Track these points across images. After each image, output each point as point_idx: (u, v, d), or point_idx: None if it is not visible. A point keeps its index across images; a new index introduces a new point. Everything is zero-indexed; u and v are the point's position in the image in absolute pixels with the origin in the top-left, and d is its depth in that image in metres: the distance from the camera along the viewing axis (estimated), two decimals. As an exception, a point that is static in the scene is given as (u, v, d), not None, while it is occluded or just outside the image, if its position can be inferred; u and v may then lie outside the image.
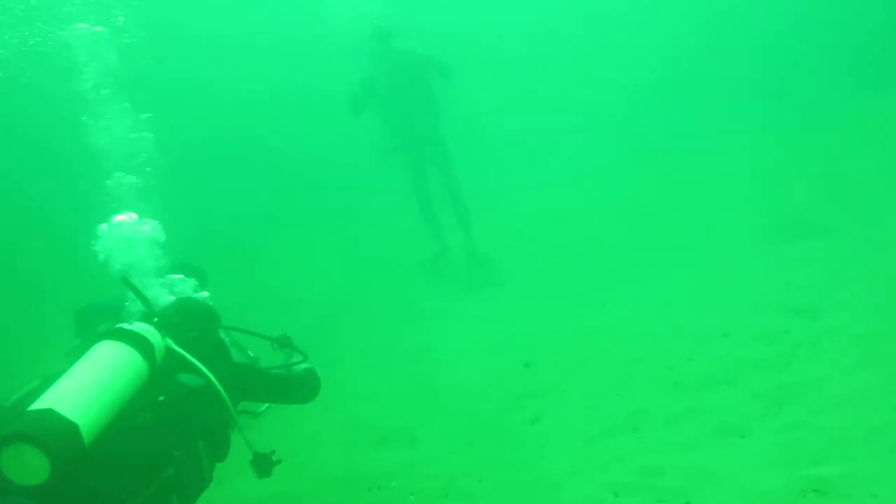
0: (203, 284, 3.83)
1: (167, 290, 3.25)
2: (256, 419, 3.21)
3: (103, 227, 3.17)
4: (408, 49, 7.39)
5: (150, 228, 3.25)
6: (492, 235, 8.37)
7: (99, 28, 3.57)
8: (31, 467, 2.07)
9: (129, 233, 3.20)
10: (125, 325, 2.65)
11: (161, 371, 2.63)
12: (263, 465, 2.92)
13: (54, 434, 2.10)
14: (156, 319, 2.80)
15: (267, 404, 3.32)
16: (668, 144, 10.63)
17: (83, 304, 3.12)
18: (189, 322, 2.91)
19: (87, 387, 2.32)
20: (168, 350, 2.69)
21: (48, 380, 2.39)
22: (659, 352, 5.27)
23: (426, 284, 7.99)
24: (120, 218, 3.22)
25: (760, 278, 6.11)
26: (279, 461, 2.96)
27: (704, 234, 7.52)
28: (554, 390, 5.15)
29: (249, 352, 3.38)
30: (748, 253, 6.78)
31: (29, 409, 2.21)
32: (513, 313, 6.87)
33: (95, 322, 2.94)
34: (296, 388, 3.36)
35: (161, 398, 2.58)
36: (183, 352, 2.70)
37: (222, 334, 3.16)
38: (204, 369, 2.70)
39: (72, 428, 2.15)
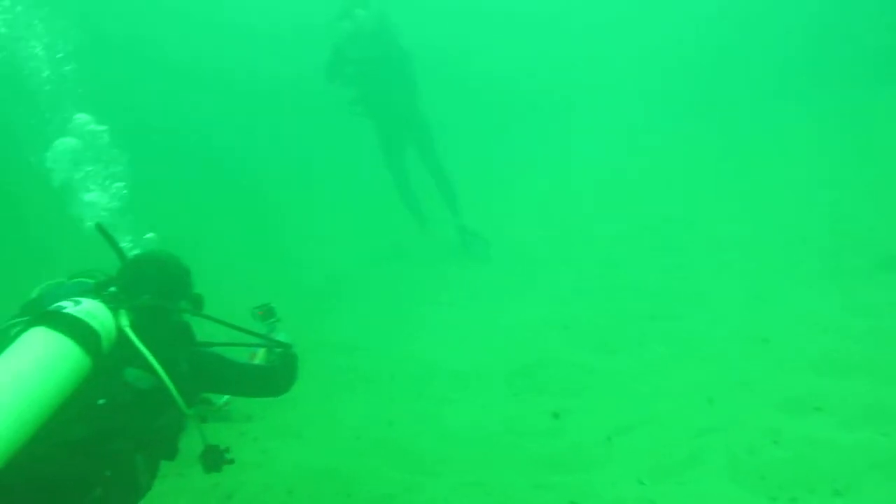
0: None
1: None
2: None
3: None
4: (375, 24, 7.05)
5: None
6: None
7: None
8: None
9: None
10: (66, 305, 2.21)
11: (108, 359, 2.24)
12: (213, 460, 2.60)
13: None
14: (112, 289, 2.44)
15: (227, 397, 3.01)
16: (701, 127, 10.53)
17: (37, 290, 2.63)
18: (151, 289, 2.54)
19: (2, 393, 1.89)
20: (119, 333, 2.31)
21: None
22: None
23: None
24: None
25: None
26: (232, 461, 2.64)
27: (760, 252, 6.58)
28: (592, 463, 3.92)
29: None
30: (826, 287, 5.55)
31: None
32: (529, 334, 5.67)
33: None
34: (268, 380, 2.87)
35: (101, 401, 2.19)
36: (136, 339, 2.31)
37: (182, 306, 2.74)
38: (157, 366, 2.30)
39: None
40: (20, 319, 2.36)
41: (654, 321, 5.53)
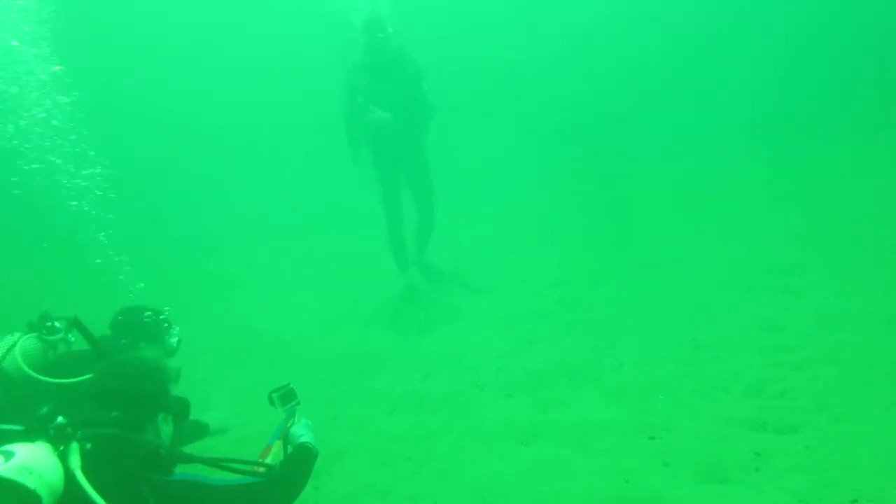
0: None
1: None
2: None
3: None
4: (400, 54, 6.77)
5: None
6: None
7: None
8: None
9: None
10: None
11: None
12: None
13: None
14: (60, 420, 2.08)
15: None
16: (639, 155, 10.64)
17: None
18: (117, 407, 2.26)
19: None
20: (69, 478, 1.99)
21: None
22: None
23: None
24: None
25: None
26: None
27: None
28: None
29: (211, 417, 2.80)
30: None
31: None
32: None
33: None
34: (264, 495, 2.48)
35: None
36: (88, 488, 1.98)
37: (160, 420, 2.45)
38: None
39: None
40: None
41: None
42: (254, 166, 12.31)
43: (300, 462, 2.68)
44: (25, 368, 3.24)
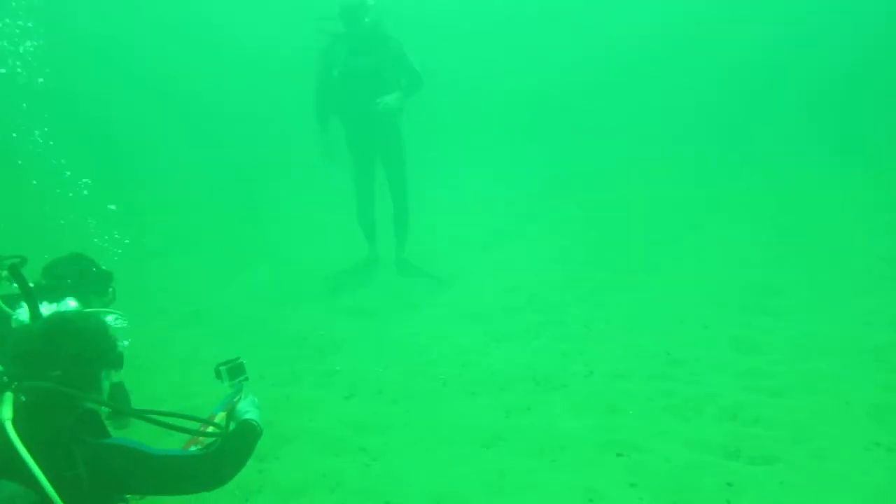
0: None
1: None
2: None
3: None
4: (381, 33, 6.54)
5: None
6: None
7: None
8: None
9: None
10: None
11: None
12: None
13: None
14: None
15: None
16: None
17: None
18: (60, 365, 2.14)
19: None
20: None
21: None
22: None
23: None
24: None
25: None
26: None
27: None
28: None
29: None
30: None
31: None
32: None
33: None
34: (203, 470, 2.35)
35: None
36: (17, 441, 1.92)
37: (103, 377, 2.36)
38: (41, 478, 1.90)
39: None
40: None
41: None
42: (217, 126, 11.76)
43: (243, 439, 2.55)
44: None
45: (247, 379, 2.80)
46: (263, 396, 3.67)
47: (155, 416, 2.26)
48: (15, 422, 1.95)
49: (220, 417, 2.63)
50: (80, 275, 3.46)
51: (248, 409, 2.70)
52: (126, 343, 3.41)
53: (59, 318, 2.40)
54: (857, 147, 9.80)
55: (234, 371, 2.77)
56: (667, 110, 11.98)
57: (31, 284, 2.61)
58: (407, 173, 7.08)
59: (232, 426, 2.62)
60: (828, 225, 7.85)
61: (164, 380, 5.29)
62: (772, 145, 10.59)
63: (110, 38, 11.53)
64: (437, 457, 4.20)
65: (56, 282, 3.36)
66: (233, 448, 2.46)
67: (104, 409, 2.32)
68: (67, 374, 2.15)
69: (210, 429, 2.52)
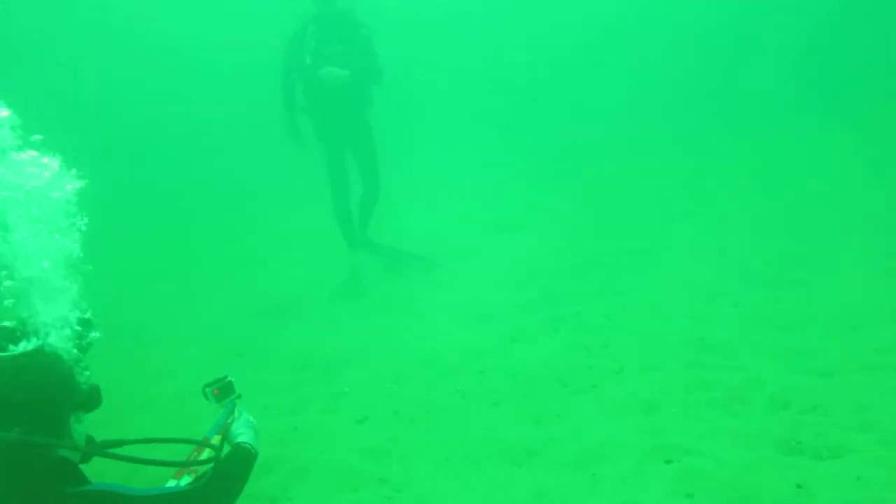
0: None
1: None
2: None
3: None
4: (353, 20, 6.43)
5: None
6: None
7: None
8: None
9: None
10: None
11: None
12: None
13: None
14: None
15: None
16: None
17: None
18: (22, 418, 1.95)
19: None
20: None
21: None
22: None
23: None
24: None
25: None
26: None
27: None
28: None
29: None
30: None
31: None
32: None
33: None
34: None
35: None
36: None
37: (73, 420, 2.12)
38: None
39: None
40: None
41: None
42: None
43: (236, 465, 2.38)
44: None
45: (239, 397, 2.65)
46: (270, 429, 3.55)
47: (139, 456, 2.09)
48: None
49: (215, 440, 2.47)
50: None
51: (241, 430, 2.53)
52: (97, 334, 3.04)
53: (10, 370, 2.08)
54: (840, 105, 9.47)
55: (224, 391, 2.63)
56: (646, 84, 11.70)
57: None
58: (378, 161, 6.96)
59: (226, 450, 2.46)
60: (826, 187, 7.52)
61: (158, 418, 4.88)
62: (752, 110, 10.29)
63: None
64: (465, 481, 3.81)
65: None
66: (224, 476, 2.29)
67: (78, 455, 2.11)
68: (31, 423, 1.95)
69: (204, 454, 2.36)
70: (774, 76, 10.83)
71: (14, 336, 2.66)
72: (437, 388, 4.92)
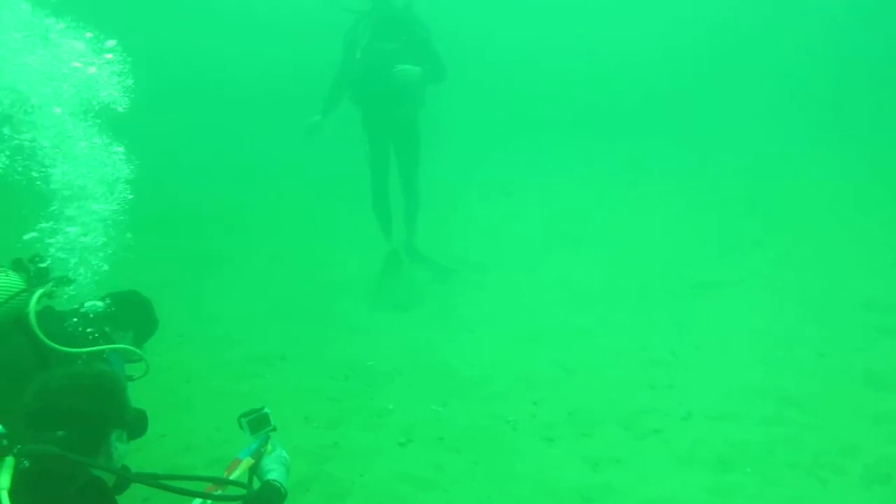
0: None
1: None
2: None
3: None
4: (408, 17, 6.26)
5: None
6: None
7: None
8: None
9: None
10: None
11: None
12: None
13: None
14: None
15: None
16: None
17: None
18: (65, 425, 1.93)
19: None
20: None
21: None
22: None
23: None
24: None
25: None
26: None
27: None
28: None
29: None
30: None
31: None
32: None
33: None
34: None
35: None
36: None
37: (114, 438, 2.08)
38: None
39: None
40: None
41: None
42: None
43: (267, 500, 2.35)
44: None
45: (274, 429, 2.64)
46: (310, 441, 3.97)
47: (169, 483, 2.08)
48: (12, 491, 1.79)
49: (246, 462, 2.48)
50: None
51: (273, 466, 2.51)
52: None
53: (64, 372, 2.12)
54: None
55: (258, 422, 2.61)
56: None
57: None
58: (420, 165, 6.78)
59: (255, 481, 2.46)
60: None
61: (198, 419, 4.65)
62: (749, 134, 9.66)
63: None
64: (514, 527, 3.48)
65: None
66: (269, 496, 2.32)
67: (112, 478, 2.06)
68: (70, 435, 1.93)
69: (230, 490, 2.32)
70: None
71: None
72: (486, 416, 4.59)
